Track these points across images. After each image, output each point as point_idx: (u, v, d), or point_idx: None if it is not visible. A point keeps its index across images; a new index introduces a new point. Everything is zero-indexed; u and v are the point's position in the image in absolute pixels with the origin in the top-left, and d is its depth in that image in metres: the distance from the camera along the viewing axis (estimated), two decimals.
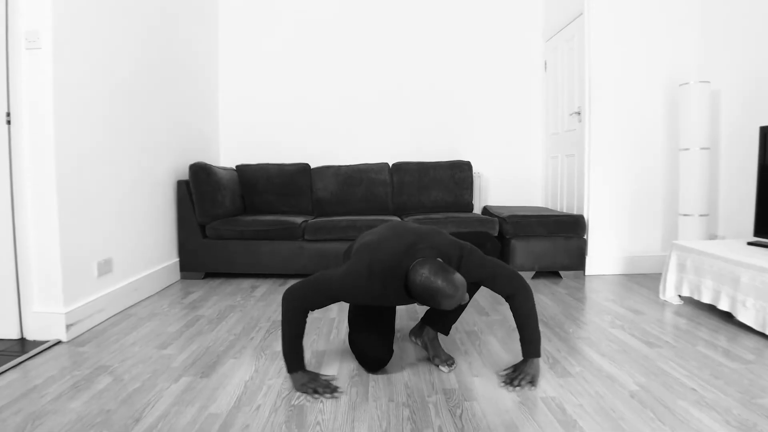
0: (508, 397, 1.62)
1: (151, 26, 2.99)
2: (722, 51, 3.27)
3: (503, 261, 3.47)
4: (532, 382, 1.69)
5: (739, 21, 3.12)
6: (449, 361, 1.87)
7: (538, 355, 1.71)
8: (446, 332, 1.93)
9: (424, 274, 1.51)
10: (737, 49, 3.14)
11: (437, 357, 1.90)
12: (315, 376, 1.70)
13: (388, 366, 1.88)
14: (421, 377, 1.79)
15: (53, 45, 2.11)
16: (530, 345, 1.72)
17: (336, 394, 1.64)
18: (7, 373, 1.81)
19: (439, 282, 1.48)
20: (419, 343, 2.01)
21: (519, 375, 1.70)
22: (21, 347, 2.06)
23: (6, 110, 2.10)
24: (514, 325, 2.38)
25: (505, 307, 2.68)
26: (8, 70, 2.10)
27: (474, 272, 1.68)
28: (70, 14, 2.22)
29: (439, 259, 1.58)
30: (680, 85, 3.16)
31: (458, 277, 1.51)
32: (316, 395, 1.63)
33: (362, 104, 4.29)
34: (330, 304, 1.67)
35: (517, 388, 1.67)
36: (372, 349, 1.80)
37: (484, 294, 2.97)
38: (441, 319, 1.90)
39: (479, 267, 1.68)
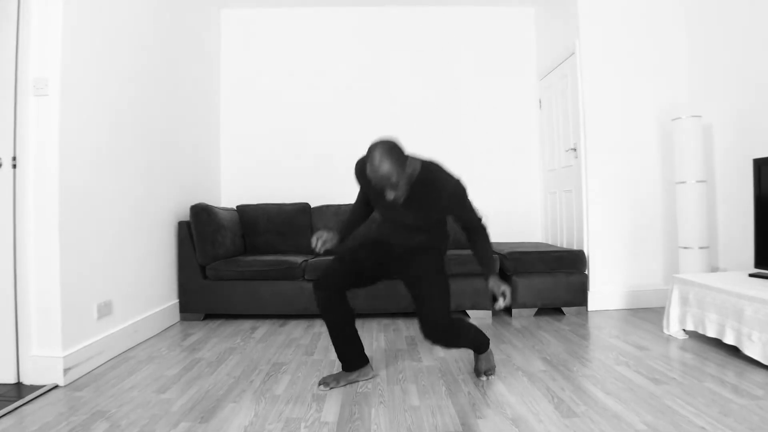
0: None
1: (155, 72, 3.08)
2: (711, 85, 3.35)
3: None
4: (506, 294, 1.87)
5: (725, 56, 3.21)
6: (488, 372, 2.15)
7: (496, 273, 1.97)
8: (481, 351, 2.15)
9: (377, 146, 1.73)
10: (725, 83, 3.22)
11: (477, 369, 2.18)
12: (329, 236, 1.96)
13: (390, 409, 1.85)
14: (423, 420, 1.75)
15: (60, 91, 2.17)
16: (492, 263, 1.98)
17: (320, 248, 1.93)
18: (2, 420, 1.77)
19: (376, 152, 1.69)
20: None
21: (499, 295, 1.87)
22: (17, 392, 2.03)
23: (12, 154, 2.15)
24: (518, 365, 2.35)
25: (509, 347, 2.65)
26: (16, 115, 2.16)
27: (446, 187, 1.86)
28: (78, 62, 2.30)
29: (406, 155, 1.80)
30: (673, 119, 3.23)
31: (387, 166, 1.68)
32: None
33: (365, 145, 4.35)
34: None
35: (504, 302, 1.86)
36: (325, 272, 2.02)
37: (486, 332, 2.94)
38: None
39: (453, 195, 1.88)
